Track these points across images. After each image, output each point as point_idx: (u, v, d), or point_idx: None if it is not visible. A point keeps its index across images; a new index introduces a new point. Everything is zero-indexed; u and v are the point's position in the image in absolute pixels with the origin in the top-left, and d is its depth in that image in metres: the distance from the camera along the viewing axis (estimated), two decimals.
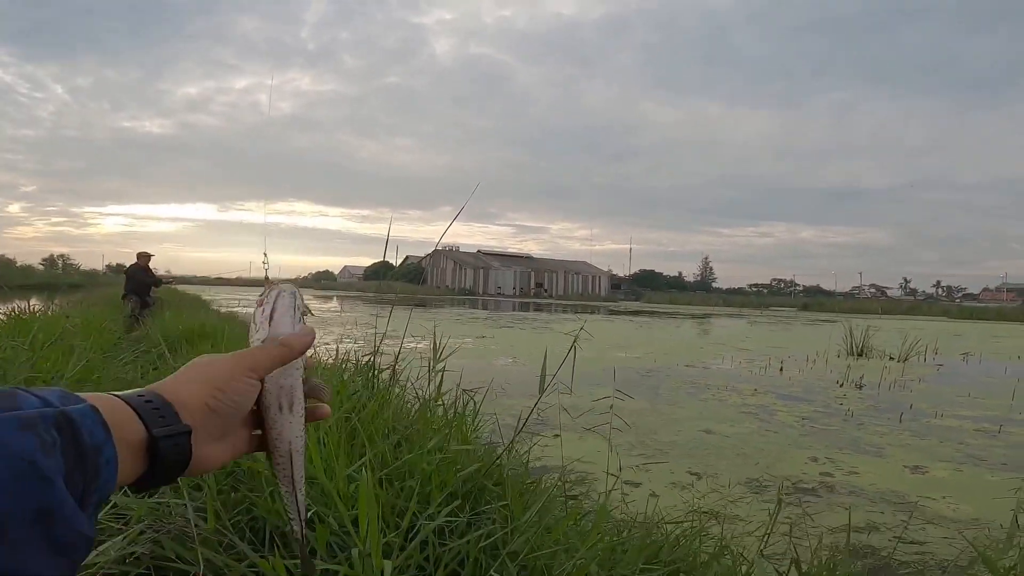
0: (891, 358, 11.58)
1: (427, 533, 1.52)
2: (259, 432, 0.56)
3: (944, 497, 3.80)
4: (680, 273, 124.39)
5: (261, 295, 0.57)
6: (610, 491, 2.27)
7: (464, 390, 3.05)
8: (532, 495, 2.16)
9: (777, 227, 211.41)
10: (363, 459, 1.66)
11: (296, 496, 0.55)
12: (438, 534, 1.60)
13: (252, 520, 1.59)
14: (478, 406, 3.01)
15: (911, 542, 3.06)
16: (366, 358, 3.63)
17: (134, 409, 0.43)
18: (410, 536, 1.54)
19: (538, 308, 36.86)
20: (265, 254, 0.70)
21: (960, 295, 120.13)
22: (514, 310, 32.75)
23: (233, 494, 1.65)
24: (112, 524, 1.45)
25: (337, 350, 4.56)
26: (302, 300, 0.58)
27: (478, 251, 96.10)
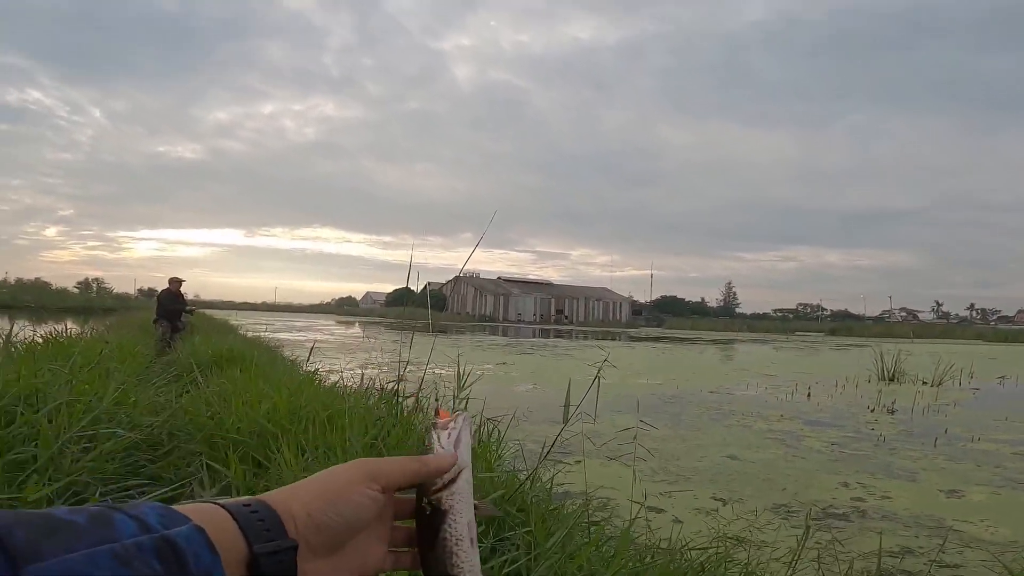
0: (924, 383, 11.22)
1: None
2: (402, 551, 0.52)
3: (982, 520, 3.68)
4: (703, 299, 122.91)
5: (447, 421, 0.55)
6: (635, 518, 2.25)
7: (488, 418, 3.07)
8: (555, 521, 2.15)
9: (801, 251, 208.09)
10: None
11: None
12: None
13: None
14: (502, 435, 3.02)
15: (947, 566, 2.96)
16: (390, 384, 3.68)
17: (237, 521, 0.40)
18: None
19: (558, 335, 36.69)
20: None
21: (995, 318, 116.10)
22: (534, 337, 32.65)
23: None
24: None
25: (362, 376, 4.63)
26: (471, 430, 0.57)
27: (498, 277, 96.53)
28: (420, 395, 3.54)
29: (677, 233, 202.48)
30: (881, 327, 62.88)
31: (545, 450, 2.44)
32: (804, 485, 4.39)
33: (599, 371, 2.49)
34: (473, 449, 0.53)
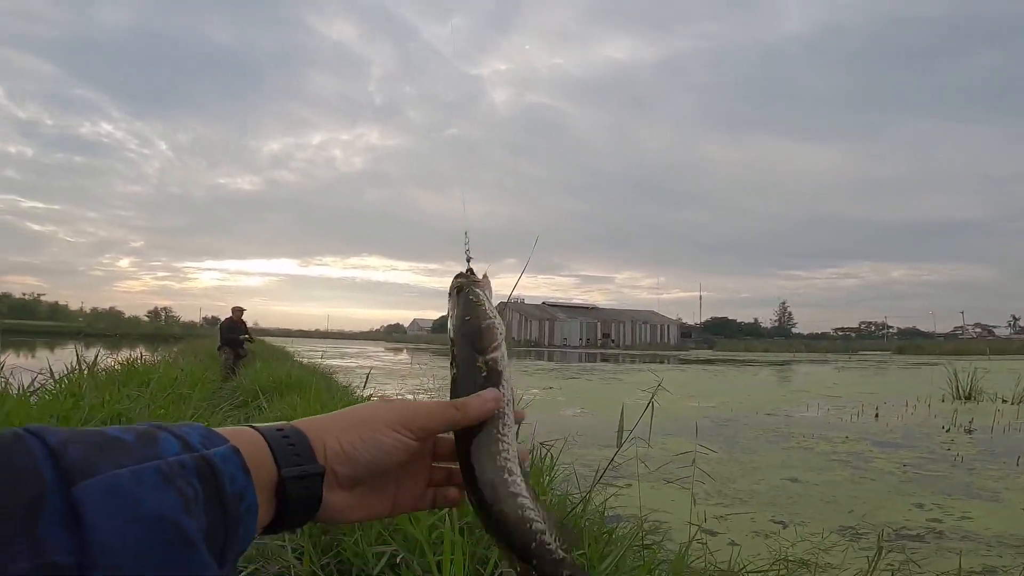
0: (1004, 401, 10.41)
1: None
2: (436, 489, 0.51)
3: None
4: (755, 319, 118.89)
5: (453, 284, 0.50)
6: (692, 540, 2.20)
7: (540, 443, 3.09)
8: (608, 544, 2.14)
9: (862, 267, 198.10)
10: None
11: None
12: None
13: (340, 563, 1.71)
14: (555, 458, 3.03)
15: None
16: None
17: (269, 445, 0.41)
18: None
19: (605, 359, 36.15)
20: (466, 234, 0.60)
21: None
22: (580, 361, 32.29)
23: (324, 537, 1.78)
24: None
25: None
26: (491, 292, 0.51)
27: (543, 303, 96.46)
28: None
29: (726, 253, 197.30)
30: (954, 344, 58.75)
31: (599, 473, 2.44)
32: (874, 507, 4.15)
33: (653, 394, 2.47)
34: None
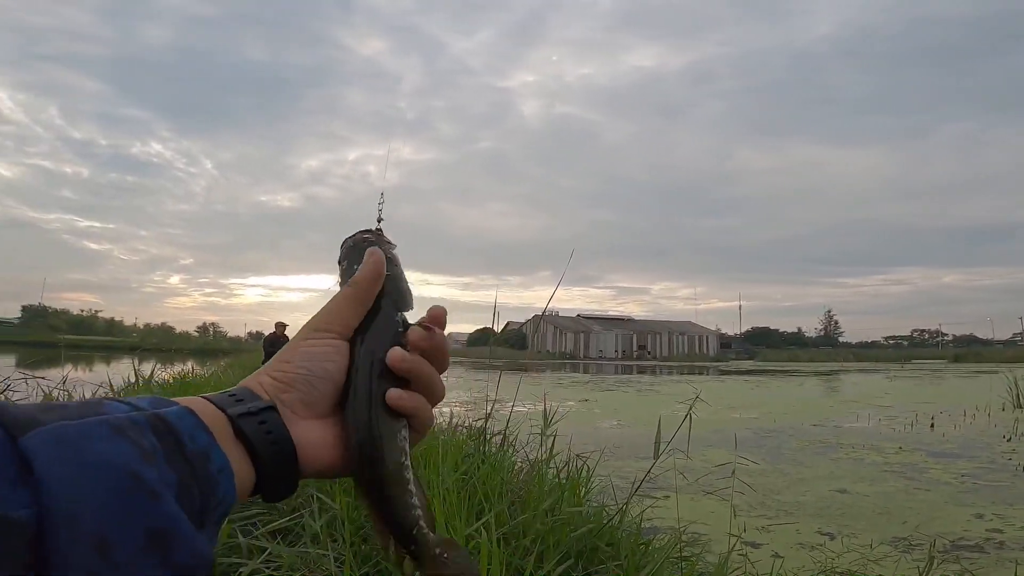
0: None
1: None
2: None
3: None
4: (799, 329, 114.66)
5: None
6: (731, 550, 2.17)
7: (577, 455, 3.10)
8: (644, 555, 2.13)
9: (912, 273, 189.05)
10: (483, 519, 1.75)
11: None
12: None
13: (379, 572, 1.76)
14: (592, 470, 3.03)
15: None
16: (478, 422, 3.80)
17: (211, 401, 0.39)
18: None
19: (641, 370, 35.59)
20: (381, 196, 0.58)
21: None
22: (616, 373, 31.89)
23: (364, 546, 1.83)
24: (265, 569, 1.67)
25: (450, 415, 4.80)
26: (381, 237, 0.50)
27: (578, 315, 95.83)
28: (507, 431, 3.63)
29: (766, 261, 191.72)
30: (1014, 351, 55.43)
31: (636, 484, 2.42)
32: (928, 518, 3.97)
33: (692, 405, 2.45)
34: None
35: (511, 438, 3.57)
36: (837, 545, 3.40)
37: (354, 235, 0.50)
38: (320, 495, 2.74)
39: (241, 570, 1.65)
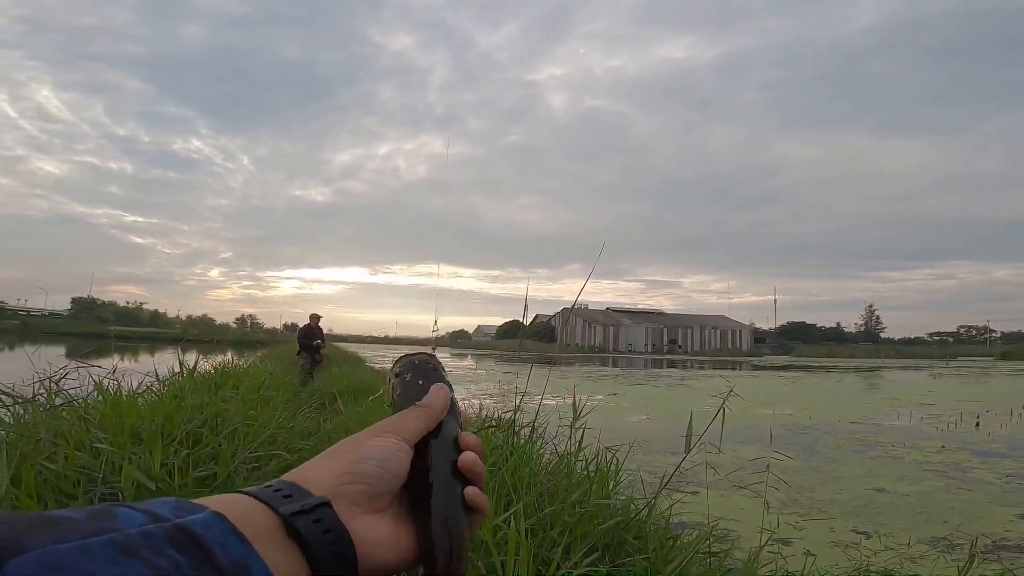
0: None
1: None
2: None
3: None
4: (838, 324, 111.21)
5: (397, 364, 0.55)
6: (762, 546, 2.15)
7: (606, 448, 3.11)
8: (672, 550, 2.13)
9: (960, 267, 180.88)
10: (511, 510, 1.76)
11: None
12: None
13: None
14: (621, 463, 3.04)
15: None
16: (507, 414, 3.84)
17: (257, 497, 0.35)
18: None
19: (672, 365, 35.14)
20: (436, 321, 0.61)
21: None
22: (646, 367, 31.56)
23: None
24: None
25: (480, 406, 4.86)
26: (437, 362, 0.56)
27: (607, 308, 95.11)
28: (536, 424, 3.65)
29: (803, 255, 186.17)
30: None
31: (665, 478, 2.42)
32: (970, 518, 3.84)
33: (724, 400, 2.43)
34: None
35: (540, 430, 3.60)
36: (873, 544, 3.32)
37: (415, 355, 0.56)
38: None
39: None
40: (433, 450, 0.46)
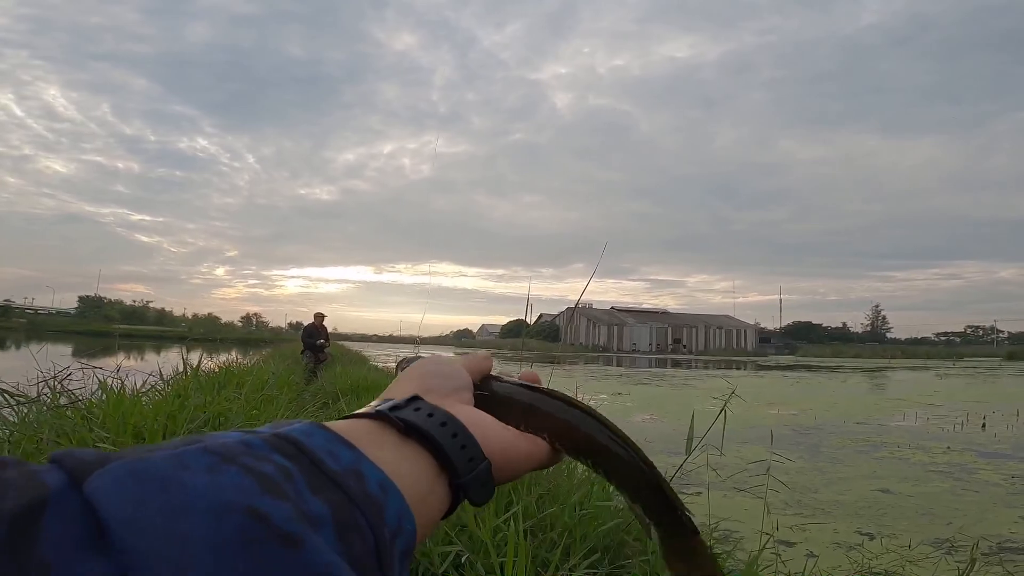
0: None
1: None
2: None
3: None
4: (844, 324, 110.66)
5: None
6: (762, 549, 2.14)
7: None
8: None
9: (967, 267, 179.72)
10: (511, 511, 1.76)
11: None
12: None
13: None
14: None
15: None
16: None
17: (341, 419, 0.32)
18: None
19: (676, 364, 35.03)
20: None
21: None
22: (651, 367, 31.49)
23: None
24: None
25: None
26: None
27: (612, 308, 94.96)
28: None
29: (809, 254, 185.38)
30: None
31: (668, 480, 2.40)
32: (975, 520, 3.83)
33: (727, 400, 2.42)
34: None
35: None
36: (876, 546, 3.31)
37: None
38: None
39: None
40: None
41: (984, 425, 8.23)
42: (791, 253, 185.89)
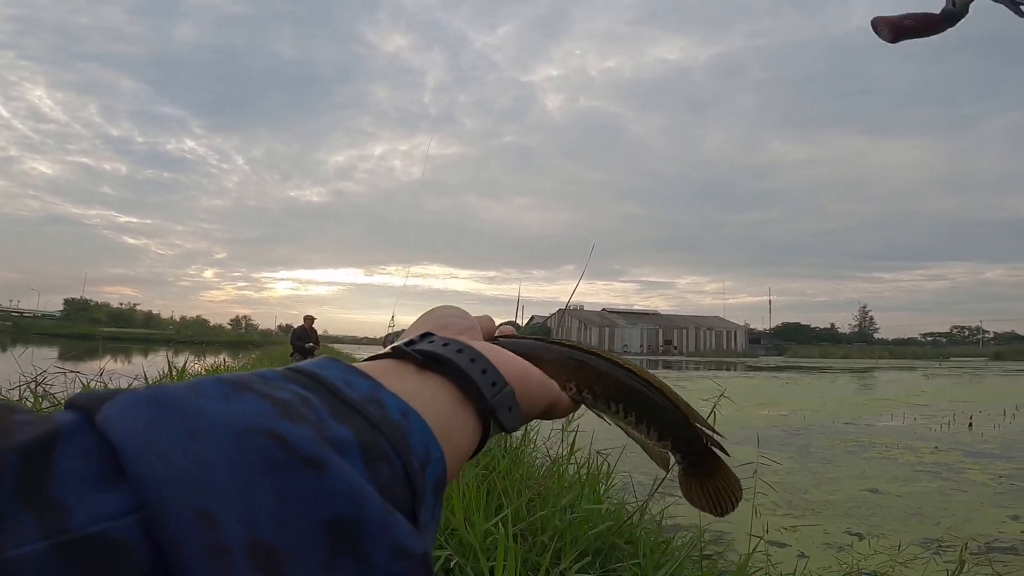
0: None
1: None
2: None
3: None
4: (832, 324, 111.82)
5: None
6: (751, 552, 2.13)
7: (598, 451, 3.09)
8: (664, 554, 2.11)
9: (953, 268, 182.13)
10: (501, 515, 1.74)
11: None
12: None
13: None
14: (611, 467, 3.02)
15: None
16: None
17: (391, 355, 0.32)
18: None
19: (667, 365, 35.18)
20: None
21: None
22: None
23: None
24: None
25: None
26: None
27: (603, 309, 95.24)
28: (528, 427, 3.63)
29: (798, 255, 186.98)
30: None
31: (658, 482, 2.41)
32: (963, 519, 3.86)
33: (716, 402, 2.42)
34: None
35: (532, 433, 3.59)
36: (865, 546, 3.33)
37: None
38: None
39: None
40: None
41: (971, 425, 8.33)
42: (781, 254, 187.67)
